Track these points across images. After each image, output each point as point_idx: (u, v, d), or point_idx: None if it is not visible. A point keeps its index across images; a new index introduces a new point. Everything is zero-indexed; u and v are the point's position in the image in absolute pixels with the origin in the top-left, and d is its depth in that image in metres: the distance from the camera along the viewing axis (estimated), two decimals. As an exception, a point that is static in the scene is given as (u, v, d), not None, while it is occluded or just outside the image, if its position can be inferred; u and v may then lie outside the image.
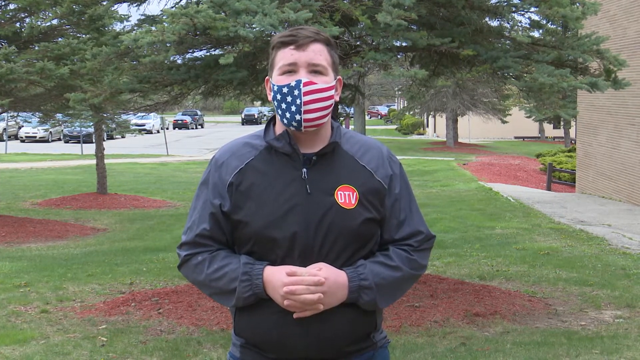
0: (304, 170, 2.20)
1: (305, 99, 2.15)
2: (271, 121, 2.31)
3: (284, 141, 2.21)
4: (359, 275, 2.16)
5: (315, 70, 2.18)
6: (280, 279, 2.12)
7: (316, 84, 2.17)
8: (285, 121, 2.18)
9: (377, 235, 2.27)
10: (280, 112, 2.19)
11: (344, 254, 2.18)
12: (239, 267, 2.17)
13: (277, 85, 2.18)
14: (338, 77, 2.26)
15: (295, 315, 2.13)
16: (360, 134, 2.37)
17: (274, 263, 2.18)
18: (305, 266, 2.15)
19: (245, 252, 2.22)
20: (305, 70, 2.17)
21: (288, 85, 2.16)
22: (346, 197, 2.19)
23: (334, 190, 2.19)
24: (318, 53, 2.18)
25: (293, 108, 2.15)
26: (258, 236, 2.18)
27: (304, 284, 2.09)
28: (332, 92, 2.21)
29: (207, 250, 2.24)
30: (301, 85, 2.15)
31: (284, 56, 2.18)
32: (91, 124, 20.51)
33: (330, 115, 2.24)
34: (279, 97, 2.18)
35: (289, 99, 2.16)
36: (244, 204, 2.20)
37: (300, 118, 2.15)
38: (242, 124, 63.22)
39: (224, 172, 2.24)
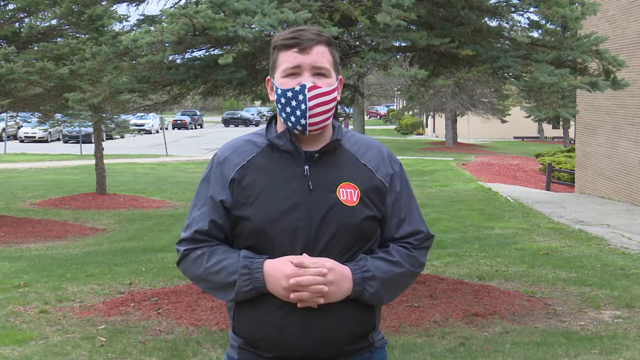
0: (306, 167, 2.20)
1: (310, 104, 2.15)
2: (272, 119, 2.30)
3: (286, 139, 2.21)
4: (361, 268, 2.18)
5: (318, 73, 2.18)
6: (282, 270, 2.11)
7: (320, 87, 2.17)
8: (290, 125, 2.18)
9: (378, 233, 2.27)
10: (284, 115, 2.19)
11: (345, 251, 2.18)
12: (238, 260, 2.16)
13: (281, 89, 2.18)
14: (340, 77, 2.27)
15: (299, 305, 2.12)
16: (360, 133, 2.37)
17: None
18: None
19: (245, 248, 2.21)
20: (309, 73, 2.17)
21: (292, 90, 2.16)
22: (348, 194, 2.20)
23: (335, 187, 2.20)
24: (321, 55, 2.18)
25: (298, 112, 2.15)
26: (259, 232, 2.18)
27: (309, 274, 2.09)
28: (335, 94, 2.21)
29: (206, 245, 2.23)
30: (306, 90, 2.15)
31: (287, 59, 2.18)
32: (90, 124, 20.50)
33: (333, 116, 2.25)
34: (283, 100, 2.17)
35: (293, 103, 2.16)
36: (245, 200, 2.19)
37: (305, 123, 2.16)
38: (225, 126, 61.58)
39: (225, 169, 2.23)
